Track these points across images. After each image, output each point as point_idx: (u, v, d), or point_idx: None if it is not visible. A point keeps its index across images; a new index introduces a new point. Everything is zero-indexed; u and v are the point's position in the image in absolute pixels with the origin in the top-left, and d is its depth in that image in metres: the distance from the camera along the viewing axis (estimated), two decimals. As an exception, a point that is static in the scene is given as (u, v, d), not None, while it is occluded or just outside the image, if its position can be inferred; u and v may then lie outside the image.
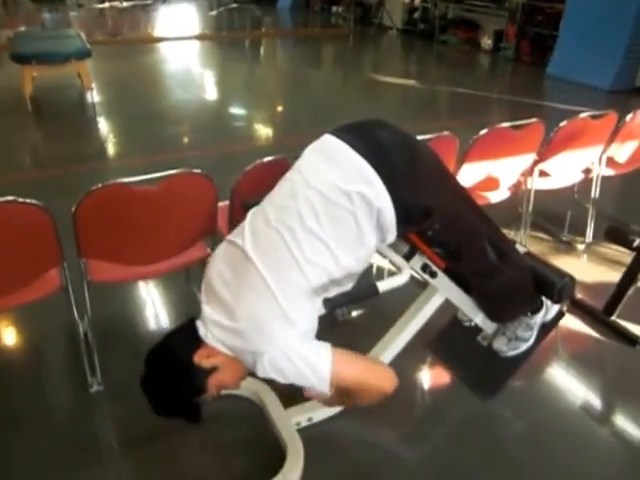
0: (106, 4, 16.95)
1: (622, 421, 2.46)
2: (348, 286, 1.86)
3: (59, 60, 6.47)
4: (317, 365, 1.71)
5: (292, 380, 1.70)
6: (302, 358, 1.68)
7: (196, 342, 1.76)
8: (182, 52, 10.80)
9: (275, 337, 1.66)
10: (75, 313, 2.40)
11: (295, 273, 1.69)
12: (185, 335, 1.79)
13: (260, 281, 1.68)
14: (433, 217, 1.83)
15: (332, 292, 1.79)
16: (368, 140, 1.80)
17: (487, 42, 10.77)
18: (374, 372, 1.94)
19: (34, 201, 2.11)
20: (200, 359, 1.74)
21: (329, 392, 1.75)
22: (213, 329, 1.74)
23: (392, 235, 1.82)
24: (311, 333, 1.78)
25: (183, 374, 1.75)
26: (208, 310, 1.76)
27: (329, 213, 1.72)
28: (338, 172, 1.75)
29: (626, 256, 3.08)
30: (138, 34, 12.91)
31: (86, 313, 2.43)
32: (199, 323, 1.78)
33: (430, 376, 2.74)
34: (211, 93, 8.26)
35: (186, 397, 1.80)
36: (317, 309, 1.78)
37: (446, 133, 2.84)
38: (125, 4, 17.00)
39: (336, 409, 2.32)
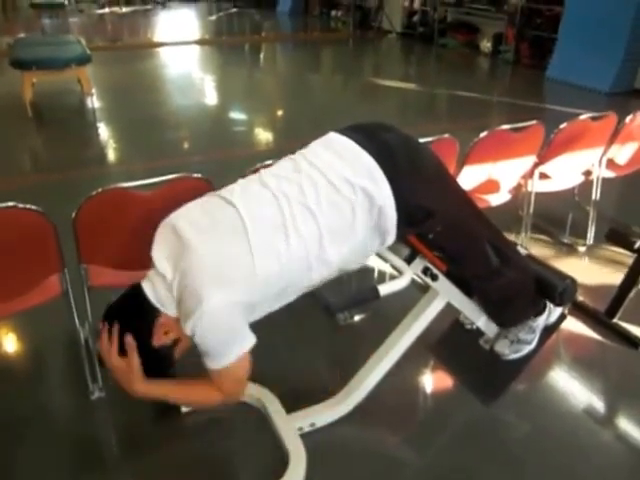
0: (106, 10, 17.01)
1: (625, 424, 2.45)
2: (290, 298, 1.87)
3: (59, 66, 6.49)
4: (234, 343, 1.73)
5: (211, 341, 1.69)
6: (231, 325, 1.70)
7: (149, 317, 1.75)
8: (182, 57, 10.82)
9: (220, 291, 1.63)
10: (76, 319, 2.39)
11: (279, 238, 1.69)
12: (138, 314, 1.77)
13: (239, 223, 1.68)
14: (434, 219, 1.84)
15: (276, 304, 1.85)
16: (375, 140, 1.83)
17: (486, 45, 10.78)
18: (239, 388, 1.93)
19: (34, 207, 2.10)
20: (159, 340, 1.76)
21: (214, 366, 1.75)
22: (159, 288, 1.73)
23: (392, 236, 1.82)
24: (249, 315, 1.77)
25: (148, 359, 1.76)
26: (160, 260, 1.74)
27: (330, 197, 1.73)
28: (345, 164, 1.78)
29: (627, 258, 3.07)
30: (138, 39, 12.95)
31: (87, 319, 2.42)
32: (147, 286, 1.76)
33: (432, 380, 2.73)
34: (211, 98, 8.26)
35: (156, 371, 1.81)
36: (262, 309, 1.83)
37: (446, 136, 2.83)
38: (125, 9, 17.07)
39: (339, 414, 2.31)
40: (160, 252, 1.75)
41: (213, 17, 16.65)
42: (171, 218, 1.80)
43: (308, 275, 1.77)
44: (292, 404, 2.33)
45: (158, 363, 1.79)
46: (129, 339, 1.71)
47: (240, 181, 1.88)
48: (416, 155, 1.92)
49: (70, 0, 16.77)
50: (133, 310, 1.78)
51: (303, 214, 1.70)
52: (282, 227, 1.68)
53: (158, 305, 1.73)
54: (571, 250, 3.75)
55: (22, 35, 10.30)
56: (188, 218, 1.78)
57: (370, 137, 1.84)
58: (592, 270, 3.54)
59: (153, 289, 1.73)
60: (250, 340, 1.75)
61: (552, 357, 2.80)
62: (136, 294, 1.77)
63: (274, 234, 1.68)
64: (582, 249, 3.74)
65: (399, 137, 1.90)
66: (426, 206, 1.83)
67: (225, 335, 1.69)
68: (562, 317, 2.49)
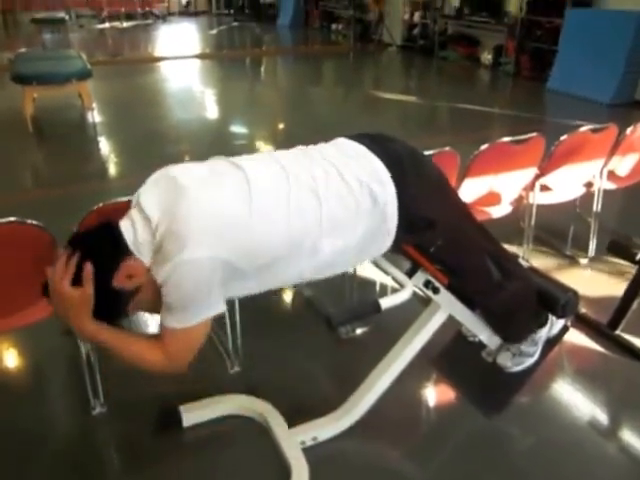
0: (107, 24, 17.10)
1: (629, 436, 2.44)
2: (272, 282, 1.79)
3: (60, 81, 6.52)
4: (202, 303, 1.61)
5: (180, 293, 1.58)
6: (207, 283, 1.58)
7: (117, 256, 1.60)
8: (183, 71, 10.86)
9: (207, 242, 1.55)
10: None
11: (281, 213, 1.66)
12: (105, 249, 1.61)
13: (245, 187, 1.65)
14: (435, 231, 1.85)
15: (256, 282, 1.74)
16: (383, 147, 1.84)
17: (487, 57, 10.81)
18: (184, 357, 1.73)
19: (35, 222, 2.10)
20: (120, 281, 1.60)
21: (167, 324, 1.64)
22: (139, 231, 1.61)
23: (389, 241, 1.82)
24: (228, 283, 1.64)
25: (100, 298, 1.59)
26: (149, 203, 1.64)
27: (338, 190, 1.72)
28: (356, 164, 1.78)
29: (629, 269, 3.07)
30: (139, 54, 13.01)
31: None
32: (125, 226, 1.64)
33: (434, 393, 2.72)
34: (212, 111, 8.29)
35: (105, 314, 1.65)
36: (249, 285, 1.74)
37: (447, 149, 2.84)
38: (125, 24, 17.15)
39: (341, 428, 2.30)
40: (151, 195, 1.67)
41: (214, 31, 16.73)
42: (169, 168, 1.74)
43: (297, 262, 1.72)
44: (294, 418, 2.32)
45: (110, 306, 1.63)
46: (88, 267, 1.55)
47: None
48: (421, 166, 1.94)
49: (71, 15, 16.90)
50: (102, 244, 1.62)
51: (309, 197, 1.68)
52: (286, 203, 1.65)
53: (132, 247, 1.60)
54: (573, 262, 3.74)
55: (23, 50, 10.34)
56: (191, 170, 1.73)
57: (379, 144, 1.85)
58: (594, 282, 3.54)
59: (132, 230, 1.62)
60: (219, 307, 1.64)
61: (555, 369, 2.79)
62: (110, 230, 1.65)
63: (277, 207, 1.65)
64: (584, 261, 3.73)
65: (405, 147, 1.92)
66: (428, 216, 1.83)
67: (197, 292, 1.57)
68: (564, 329, 2.49)
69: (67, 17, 16.28)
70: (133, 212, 1.67)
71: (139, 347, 1.71)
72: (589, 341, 2.96)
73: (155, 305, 1.66)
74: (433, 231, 1.85)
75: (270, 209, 1.65)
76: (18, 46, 11.33)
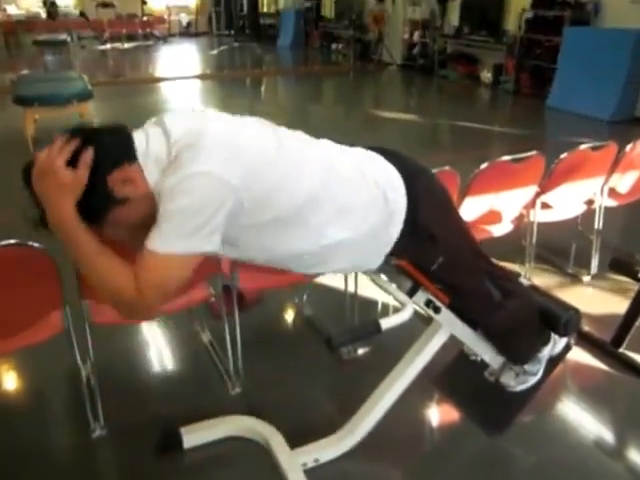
0: (108, 46, 17.22)
1: (635, 455, 2.41)
2: (272, 246, 1.68)
3: (61, 102, 6.54)
4: (198, 230, 1.44)
5: (178, 209, 1.43)
6: (212, 206, 1.44)
7: (120, 158, 1.51)
8: (184, 91, 10.91)
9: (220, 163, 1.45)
10: (77, 356, 2.38)
11: (305, 170, 1.63)
12: (110, 147, 1.51)
13: (274, 134, 1.63)
14: (437, 246, 1.85)
15: (256, 241, 1.65)
16: (397, 159, 1.86)
17: (487, 76, 10.87)
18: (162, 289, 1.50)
19: (36, 244, 2.10)
20: (114, 183, 1.48)
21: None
22: (154, 143, 1.53)
23: (388, 246, 1.81)
24: (230, 224, 1.52)
25: (87, 192, 1.47)
26: (173, 121, 1.57)
27: (357, 181, 1.73)
28: (372, 165, 1.81)
29: (632, 287, 3.05)
30: (140, 74, 13.09)
31: (88, 355, 2.41)
32: (138, 136, 1.56)
33: (438, 413, 2.70)
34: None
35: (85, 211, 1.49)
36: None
37: (447, 168, 2.83)
38: (127, 45, 17.28)
39: (343, 449, 2.28)
40: (177, 116, 1.61)
41: (214, 51, 16.83)
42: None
43: (299, 235, 1.67)
44: (295, 439, 2.30)
45: (93, 205, 1.48)
46: (89, 152, 1.45)
47: None
48: (431, 183, 1.95)
49: (72, 37, 17.03)
50: (110, 139, 1.53)
51: (332, 173, 1.68)
52: (310, 165, 1.65)
53: (140, 158, 1.52)
54: (575, 280, 3.73)
55: (25, 72, 10.41)
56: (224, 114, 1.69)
57: (394, 156, 1.87)
58: (597, 299, 3.52)
59: (145, 143, 1.53)
60: (212, 245, 1.47)
61: (559, 388, 2.77)
62: (122, 131, 1.57)
63: (302, 163, 1.63)
64: (586, 279, 3.72)
65: (417, 164, 1.94)
66: (431, 230, 1.84)
67: (201, 210, 1.43)
68: (567, 348, 2.48)
69: (69, 39, 16.41)
70: (149, 127, 1.61)
71: (112, 264, 1.48)
72: (593, 359, 2.94)
73: (132, 233, 1.56)
74: (435, 246, 1.85)
75: (296, 161, 1.62)
76: (20, 68, 11.42)
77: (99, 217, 1.50)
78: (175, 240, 1.43)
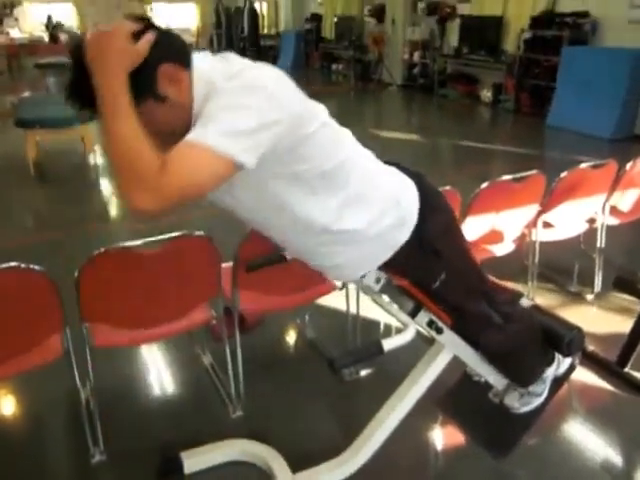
0: (110, 68, 17.27)
1: (642, 478, 2.38)
2: (298, 206, 1.65)
3: (62, 125, 6.58)
4: (246, 133, 1.39)
5: (230, 102, 1.41)
6: (267, 119, 1.42)
7: (179, 56, 1.52)
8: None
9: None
10: (77, 379, 2.36)
11: (346, 142, 1.73)
12: (177, 42, 1.55)
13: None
14: (440, 262, 1.85)
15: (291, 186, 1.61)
16: (411, 173, 1.89)
17: (487, 95, 10.92)
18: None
19: (37, 267, 2.10)
20: (162, 76, 1.48)
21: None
22: (214, 63, 1.55)
23: (395, 248, 1.80)
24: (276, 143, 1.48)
25: (138, 71, 1.44)
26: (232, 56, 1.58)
27: (377, 178, 1.78)
28: (390, 173, 1.85)
29: (636, 305, 3.03)
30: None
31: (88, 379, 2.39)
32: (200, 54, 1.58)
33: (441, 435, 2.67)
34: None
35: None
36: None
37: (448, 188, 2.83)
38: (129, 68, 17.33)
39: (345, 473, 2.25)
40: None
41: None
42: None
43: (323, 202, 1.65)
44: (297, 463, 2.27)
45: (141, 84, 1.44)
46: (152, 34, 1.45)
47: None
48: (441, 200, 1.96)
49: (75, 59, 17.09)
50: (171, 37, 1.54)
51: (364, 165, 1.77)
52: (349, 144, 1.74)
53: (195, 71, 1.52)
54: (579, 299, 3.70)
55: (26, 94, 10.47)
56: None
57: (408, 170, 1.90)
58: (601, 318, 3.50)
59: (205, 60, 1.56)
60: (248, 159, 1.40)
61: (564, 409, 2.75)
62: (183, 40, 1.58)
63: (343, 137, 1.73)
64: (590, 297, 3.69)
65: (429, 182, 1.94)
66: (437, 245, 1.84)
67: (252, 116, 1.40)
68: (571, 368, 2.46)
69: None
70: (209, 54, 1.61)
71: (145, 143, 1.38)
72: (598, 379, 2.91)
73: (159, 137, 1.46)
74: (438, 261, 1.85)
75: (337, 130, 1.70)
76: (22, 90, 11.49)
77: (139, 99, 1.44)
78: (219, 135, 1.37)
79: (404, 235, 1.78)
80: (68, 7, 19.75)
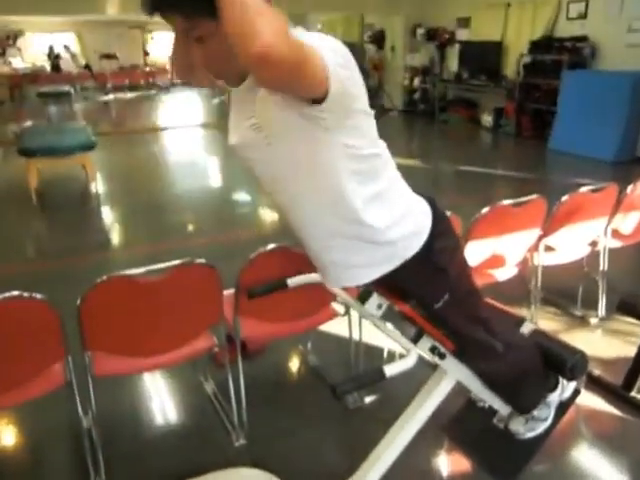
0: (111, 96, 17.50)
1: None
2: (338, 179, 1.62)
3: (64, 153, 6.65)
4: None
5: None
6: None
7: None
8: (186, 140, 11.03)
9: None
10: (79, 408, 2.34)
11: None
12: None
13: None
14: (445, 280, 1.86)
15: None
16: (420, 194, 1.93)
17: (487, 119, 10.98)
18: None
19: (39, 295, 2.10)
20: None
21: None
22: None
23: (403, 258, 1.78)
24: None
25: None
26: None
27: (401, 187, 1.87)
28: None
29: (640, 329, 3.02)
30: (142, 124, 13.25)
31: (90, 408, 2.37)
32: None
33: (446, 461, 2.64)
34: (215, 180, 8.38)
35: None
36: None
37: (449, 213, 2.83)
38: (129, 95, 17.55)
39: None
40: None
41: (216, 100, 17.03)
42: None
43: (364, 181, 1.66)
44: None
45: None
46: None
47: None
48: (449, 224, 1.96)
49: (76, 88, 17.33)
50: None
51: (394, 172, 1.84)
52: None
53: None
54: (583, 322, 3.69)
55: (29, 124, 10.56)
56: None
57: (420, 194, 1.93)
58: (606, 342, 3.48)
59: None
60: (334, 82, 1.38)
61: (570, 434, 2.72)
62: None
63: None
64: (594, 321, 3.68)
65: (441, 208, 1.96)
66: (444, 263, 1.84)
67: (335, 53, 1.41)
68: (576, 392, 2.45)
69: (72, 90, 16.69)
70: None
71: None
72: (604, 404, 2.88)
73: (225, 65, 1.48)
74: (444, 280, 1.85)
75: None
76: (24, 119, 11.58)
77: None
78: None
79: (415, 246, 1.78)
80: (70, 36, 19.99)
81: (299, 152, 1.59)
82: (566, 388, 2.38)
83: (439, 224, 1.84)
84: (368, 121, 1.66)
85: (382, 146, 1.75)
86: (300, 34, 1.39)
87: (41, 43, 19.50)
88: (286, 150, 1.60)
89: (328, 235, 1.75)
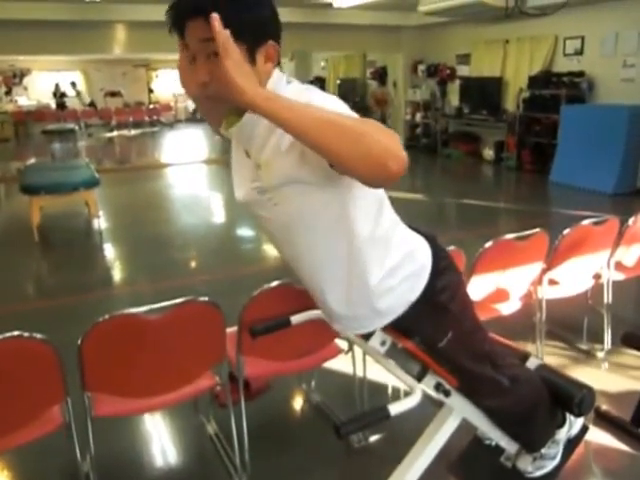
0: (115, 133, 17.64)
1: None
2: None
3: (67, 190, 6.66)
4: None
5: None
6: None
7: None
8: (189, 176, 11.09)
9: None
10: (77, 452, 2.30)
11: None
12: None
13: None
14: (448, 319, 1.84)
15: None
16: (419, 231, 1.89)
17: (489, 153, 11.05)
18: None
19: (39, 335, 2.08)
20: (269, 48, 1.46)
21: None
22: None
23: (406, 303, 1.78)
24: None
25: None
26: None
27: (399, 228, 1.80)
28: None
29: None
30: (146, 160, 13.36)
31: (89, 451, 2.33)
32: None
33: (454, 501, 2.60)
34: (218, 216, 8.39)
35: None
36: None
37: (452, 248, 2.83)
38: (133, 132, 17.70)
39: None
40: None
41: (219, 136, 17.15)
42: None
43: (370, 219, 1.65)
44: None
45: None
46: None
47: None
48: (451, 260, 1.94)
49: (80, 125, 17.51)
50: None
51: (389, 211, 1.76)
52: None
53: None
54: (589, 356, 3.65)
55: (32, 161, 10.63)
56: None
57: (418, 229, 1.90)
58: (613, 376, 3.43)
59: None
60: None
61: (579, 472, 2.67)
62: None
63: None
64: (600, 354, 3.64)
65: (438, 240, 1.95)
66: (446, 302, 1.83)
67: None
68: (584, 429, 2.40)
69: (76, 127, 16.88)
70: None
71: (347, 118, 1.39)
72: (613, 440, 2.83)
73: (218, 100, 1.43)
74: (447, 318, 1.84)
75: None
76: (28, 156, 11.66)
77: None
78: None
79: (416, 292, 1.77)
80: (76, 75, 20.23)
81: (309, 210, 1.60)
82: (574, 424, 2.34)
83: (440, 262, 1.83)
84: None
85: (381, 190, 1.70)
86: (316, 96, 1.47)
87: (47, 81, 19.72)
88: (294, 210, 1.61)
89: (333, 284, 1.75)
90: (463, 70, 12.00)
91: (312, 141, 1.31)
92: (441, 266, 1.82)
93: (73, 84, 19.78)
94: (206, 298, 2.34)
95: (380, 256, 1.70)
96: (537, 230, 3.12)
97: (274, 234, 1.77)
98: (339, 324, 1.92)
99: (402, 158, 1.30)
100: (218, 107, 1.53)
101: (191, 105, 21.45)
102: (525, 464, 2.25)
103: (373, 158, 1.29)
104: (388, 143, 1.31)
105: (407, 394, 1.79)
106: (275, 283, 2.47)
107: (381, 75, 14.27)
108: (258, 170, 1.55)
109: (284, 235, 1.73)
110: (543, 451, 2.24)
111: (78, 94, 19.77)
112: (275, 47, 1.48)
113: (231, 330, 2.50)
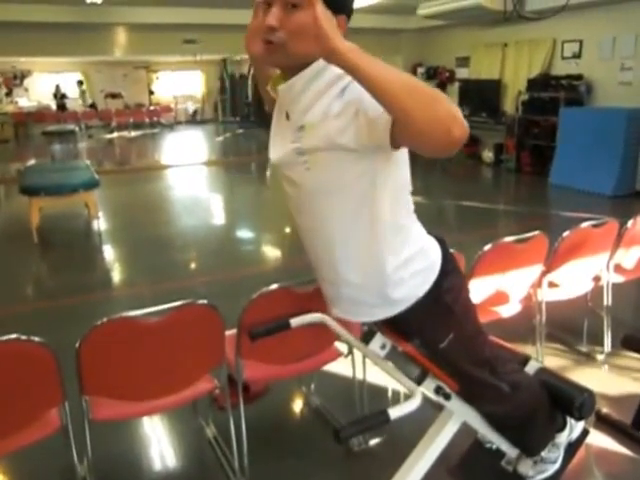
0: (115, 134, 17.64)
1: None
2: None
3: (67, 192, 6.64)
4: None
5: None
6: None
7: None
8: (189, 178, 11.06)
9: None
10: (74, 455, 2.29)
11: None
12: None
13: None
14: (451, 320, 1.85)
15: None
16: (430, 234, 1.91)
17: (488, 155, 11.07)
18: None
19: (37, 338, 2.07)
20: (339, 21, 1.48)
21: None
22: None
23: (413, 297, 1.79)
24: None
25: None
26: None
27: (414, 224, 1.85)
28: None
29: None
30: (146, 162, 13.34)
31: (86, 455, 2.31)
32: None
33: (454, 505, 2.58)
34: (218, 218, 8.38)
35: None
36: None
37: (452, 251, 2.81)
38: (134, 133, 17.69)
39: None
40: None
41: (220, 138, 17.18)
42: None
43: (396, 208, 1.73)
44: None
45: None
46: None
47: None
48: (457, 264, 1.96)
49: (80, 127, 17.51)
50: None
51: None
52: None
53: None
54: (589, 359, 3.64)
55: (32, 162, 10.62)
56: None
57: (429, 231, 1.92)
58: (613, 379, 3.43)
59: None
60: None
61: (580, 475, 2.66)
62: None
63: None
64: (600, 357, 3.63)
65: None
66: (450, 302, 1.84)
67: None
68: (585, 433, 2.40)
69: (77, 129, 16.87)
70: None
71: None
72: (614, 443, 2.82)
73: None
74: (450, 319, 1.85)
75: None
76: (28, 157, 11.65)
77: None
78: None
79: (424, 288, 1.78)
80: (77, 76, 20.22)
81: (339, 180, 1.60)
82: (574, 428, 2.33)
83: (448, 263, 1.84)
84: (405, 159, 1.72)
85: (409, 179, 1.81)
86: None
87: (48, 82, 19.72)
88: (325, 177, 1.61)
89: (347, 263, 1.75)
90: (462, 73, 12.06)
91: (389, 98, 1.34)
92: (449, 267, 1.83)
93: (80, 82, 19.80)
94: (205, 301, 2.33)
95: (398, 245, 1.72)
96: (536, 232, 3.12)
97: (297, 201, 1.78)
98: (339, 308, 1.92)
99: (465, 127, 1.35)
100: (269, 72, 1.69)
101: (191, 107, 21.49)
102: (526, 468, 2.24)
103: (440, 122, 1.32)
104: (455, 111, 1.34)
105: (407, 397, 1.78)
106: (275, 286, 2.46)
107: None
108: (301, 131, 1.58)
109: (307, 203, 1.73)
110: (544, 455, 2.23)
111: (83, 93, 19.79)
112: (345, 23, 1.53)
113: (230, 333, 2.49)
